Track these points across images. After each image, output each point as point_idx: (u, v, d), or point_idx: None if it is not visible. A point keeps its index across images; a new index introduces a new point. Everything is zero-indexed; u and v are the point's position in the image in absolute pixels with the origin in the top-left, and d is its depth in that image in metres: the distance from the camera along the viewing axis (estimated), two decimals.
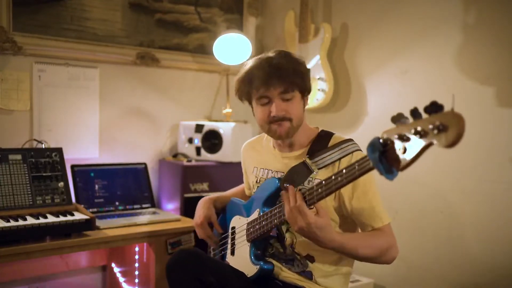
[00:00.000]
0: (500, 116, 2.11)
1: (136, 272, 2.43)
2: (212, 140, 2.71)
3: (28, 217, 1.96)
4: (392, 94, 2.53)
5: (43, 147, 2.35)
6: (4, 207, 2.00)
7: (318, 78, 2.67)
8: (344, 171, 1.20)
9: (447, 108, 0.93)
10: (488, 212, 2.15)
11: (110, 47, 2.68)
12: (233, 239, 1.68)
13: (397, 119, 1.01)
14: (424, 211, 2.38)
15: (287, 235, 1.56)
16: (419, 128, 0.95)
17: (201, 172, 2.65)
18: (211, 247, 1.82)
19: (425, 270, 2.37)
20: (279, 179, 1.52)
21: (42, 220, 1.94)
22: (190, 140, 2.78)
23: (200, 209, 1.77)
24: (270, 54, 1.56)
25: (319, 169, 1.48)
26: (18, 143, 2.38)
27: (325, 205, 1.45)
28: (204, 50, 3.04)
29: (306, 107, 1.61)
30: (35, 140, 2.41)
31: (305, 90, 1.55)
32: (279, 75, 1.47)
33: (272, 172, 1.64)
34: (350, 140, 1.53)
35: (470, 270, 2.21)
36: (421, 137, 0.95)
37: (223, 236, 1.76)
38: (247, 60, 1.62)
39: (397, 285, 2.49)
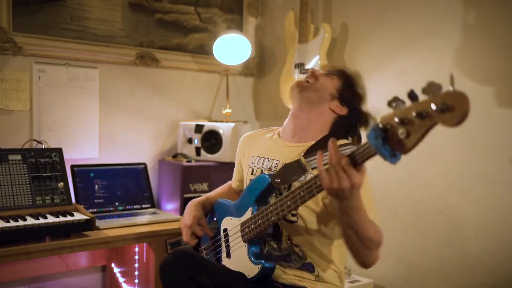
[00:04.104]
0: (500, 116, 2.11)
1: (136, 272, 2.43)
2: (212, 141, 2.71)
3: (28, 217, 1.96)
4: (391, 94, 2.51)
5: (43, 147, 2.35)
6: (4, 207, 2.00)
7: None
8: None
9: (445, 87, 0.92)
10: (488, 212, 2.15)
11: (110, 47, 2.68)
12: (226, 241, 1.64)
13: (393, 102, 1.01)
14: (424, 211, 2.38)
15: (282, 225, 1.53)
16: (420, 110, 0.93)
17: (201, 173, 2.65)
18: (203, 251, 1.77)
19: (425, 270, 2.37)
20: (270, 175, 1.49)
21: (42, 221, 1.94)
22: (190, 141, 2.78)
23: (191, 212, 1.72)
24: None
25: (312, 169, 1.46)
26: (18, 143, 2.38)
27: (315, 200, 1.44)
28: (204, 50, 3.04)
29: None
30: (35, 140, 2.41)
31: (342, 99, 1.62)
32: None
33: (268, 160, 1.62)
34: (350, 143, 1.52)
35: (470, 270, 2.21)
36: (423, 118, 0.94)
37: (215, 239, 1.71)
38: None
39: (397, 285, 2.49)
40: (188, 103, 3.03)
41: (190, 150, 2.78)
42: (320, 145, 1.52)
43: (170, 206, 2.70)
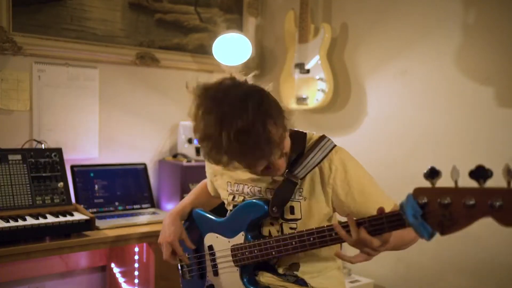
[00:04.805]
0: (500, 116, 2.11)
1: (136, 273, 2.43)
2: None
3: (27, 217, 1.96)
4: (391, 94, 2.53)
5: (43, 147, 2.35)
6: (3, 207, 2.00)
7: (318, 79, 2.67)
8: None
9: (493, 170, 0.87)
10: None
11: (110, 47, 2.68)
12: (213, 260, 1.57)
13: (430, 176, 0.93)
14: None
15: None
16: (470, 199, 0.87)
17: (201, 173, 2.59)
18: (183, 263, 1.69)
19: (425, 270, 2.37)
20: (265, 202, 1.43)
21: (41, 221, 1.94)
22: (190, 140, 2.78)
23: (170, 226, 1.63)
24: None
25: (301, 178, 1.40)
26: (18, 143, 2.38)
27: (318, 222, 1.41)
28: (204, 50, 3.03)
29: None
30: (34, 140, 2.41)
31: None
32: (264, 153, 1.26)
33: (248, 187, 1.50)
34: (324, 136, 1.44)
35: (470, 270, 2.21)
36: (472, 208, 0.87)
37: (198, 254, 1.64)
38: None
39: (397, 285, 2.49)
40: (188, 103, 3.02)
41: (190, 150, 2.78)
42: (296, 149, 1.43)
43: (170, 206, 2.70)
